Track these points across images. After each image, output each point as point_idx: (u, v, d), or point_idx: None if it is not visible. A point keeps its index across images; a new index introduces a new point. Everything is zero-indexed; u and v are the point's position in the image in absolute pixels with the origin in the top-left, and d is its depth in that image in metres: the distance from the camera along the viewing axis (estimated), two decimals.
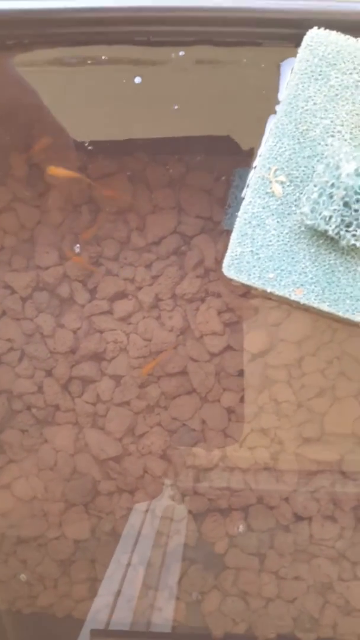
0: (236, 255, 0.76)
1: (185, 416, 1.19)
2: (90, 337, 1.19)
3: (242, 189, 0.89)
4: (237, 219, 0.76)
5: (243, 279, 0.76)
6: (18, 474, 1.20)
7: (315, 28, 0.78)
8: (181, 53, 0.81)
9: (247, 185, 0.78)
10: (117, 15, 0.75)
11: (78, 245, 1.15)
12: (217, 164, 1.14)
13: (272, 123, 0.76)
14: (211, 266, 1.17)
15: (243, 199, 0.82)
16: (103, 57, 0.81)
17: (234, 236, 0.78)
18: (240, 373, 1.18)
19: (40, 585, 1.21)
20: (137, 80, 0.86)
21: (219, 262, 1.17)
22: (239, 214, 0.77)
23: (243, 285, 0.79)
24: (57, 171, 1.03)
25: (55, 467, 1.20)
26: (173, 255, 1.19)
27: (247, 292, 1.19)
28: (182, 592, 1.20)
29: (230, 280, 0.79)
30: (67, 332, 1.19)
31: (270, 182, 0.75)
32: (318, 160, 0.76)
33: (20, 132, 1.13)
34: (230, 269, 0.77)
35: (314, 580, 1.18)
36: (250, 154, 0.93)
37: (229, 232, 0.99)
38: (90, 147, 1.13)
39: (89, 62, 0.83)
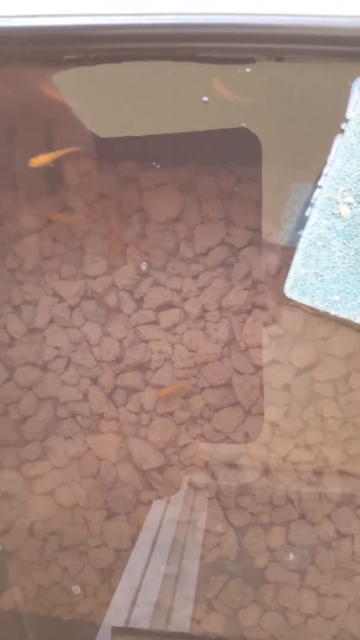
0: (300, 277, 0.75)
1: (228, 429, 1.18)
2: (135, 347, 1.19)
3: (301, 204, 0.88)
4: (302, 240, 0.76)
5: (306, 301, 0.76)
6: (61, 481, 1.21)
7: None
8: (248, 70, 0.81)
9: (312, 205, 0.78)
10: (181, 32, 0.74)
11: (145, 263, 1.15)
12: (269, 177, 1.13)
13: (339, 143, 0.75)
14: (259, 278, 1.16)
15: (304, 216, 0.81)
16: (168, 74, 0.80)
17: (297, 257, 0.77)
18: (286, 387, 1.17)
19: (81, 593, 1.21)
20: (205, 99, 0.86)
21: (268, 274, 1.16)
22: (304, 234, 0.76)
23: (304, 307, 0.78)
24: (39, 160, 1.02)
25: (98, 475, 1.20)
26: (220, 266, 1.18)
27: (294, 305, 1.18)
28: (221, 605, 1.19)
29: (290, 301, 0.79)
30: (113, 341, 1.19)
31: (337, 203, 0.74)
32: None
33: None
34: (293, 290, 0.76)
35: (354, 598, 1.16)
36: (309, 169, 0.92)
37: (283, 247, 0.99)
38: (144, 159, 1.13)
39: (153, 78, 0.82)
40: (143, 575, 1.21)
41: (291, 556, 1.12)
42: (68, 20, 0.78)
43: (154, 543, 1.20)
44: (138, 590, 1.21)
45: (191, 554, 1.19)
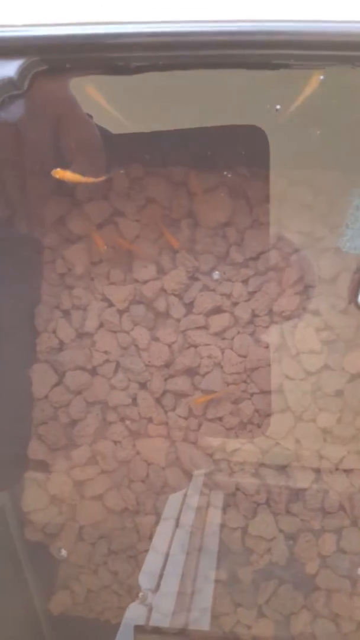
0: None
1: (278, 435, 1.17)
2: (185, 352, 1.18)
3: None
4: None
5: None
6: (110, 485, 1.21)
7: None
8: (321, 77, 0.79)
9: None
10: (255, 39, 0.73)
11: (217, 272, 1.15)
12: (322, 181, 1.12)
13: None
14: (311, 283, 1.15)
15: None
16: (241, 81, 0.80)
17: None
18: (338, 393, 1.16)
19: (129, 597, 1.21)
20: (278, 107, 0.85)
21: (320, 279, 1.15)
22: None
23: None
24: (64, 174, 1.01)
25: (147, 479, 1.20)
26: (271, 271, 1.17)
27: (346, 310, 1.17)
28: (271, 611, 1.18)
29: None
30: (162, 346, 1.19)
31: None
32: None
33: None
34: None
35: None
36: None
37: (344, 253, 0.97)
38: (191, 162, 1.13)
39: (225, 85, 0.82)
40: (194, 580, 1.21)
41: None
42: (135, 27, 0.77)
43: (203, 548, 1.20)
44: (185, 594, 1.21)
45: (241, 559, 1.19)
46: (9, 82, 0.79)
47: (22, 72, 0.79)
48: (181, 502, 1.19)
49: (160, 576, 1.20)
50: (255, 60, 0.75)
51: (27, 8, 0.77)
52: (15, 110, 0.82)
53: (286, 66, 0.75)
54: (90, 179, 1.04)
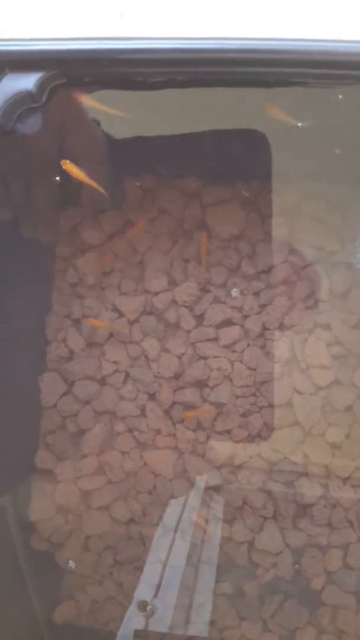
0: None
1: (287, 449, 1.17)
2: (194, 364, 1.18)
3: None
4: None
5: None
6: (117, 495, 1.20)
7: None
8: (340, 97, 0.79)
9: None
10: (273, 58, 0.73)
11: (236, 289, 1.15)
12: (336, 196, 1.12)
13: None
14: (322, 297, 1.15)
15: None
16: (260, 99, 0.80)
17: None
18: (348, 408, 1.15)
19: (134, 608, 1.21)
20: (299, 124, 0.85)
21: (331, 293, 1.14)
22: None
23: None
24: (70, 167, 1.01)
25: (154, 491, 1.20)
26: (283, 284, 1.17)
27: (357, 325, 1.17)
28: (276, 626, 1.18)
29: None
30: (172, 357, 1.19)
31: None
32: None
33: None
34: None
35: None
36: None
37: (354, 268, 0.97)
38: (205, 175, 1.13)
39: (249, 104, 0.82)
40: (197, 592, 1.20)
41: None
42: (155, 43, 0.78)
43: (209, 560, 1.19)
44: (191, 607, 1.21)
45: (247, 573, 1.18)
46: (28, 95, 0.79)
47: (41, 86, 0.79)
48: (188, 514, 1.19)
49: (164, 588, 1.20)
50: (273, 79, 0.75)
51: (47, 22, 0.77)
52: (33, 122, 0.82)
53: (304, 84, 0.75)
54: (94, 183, 1.04)
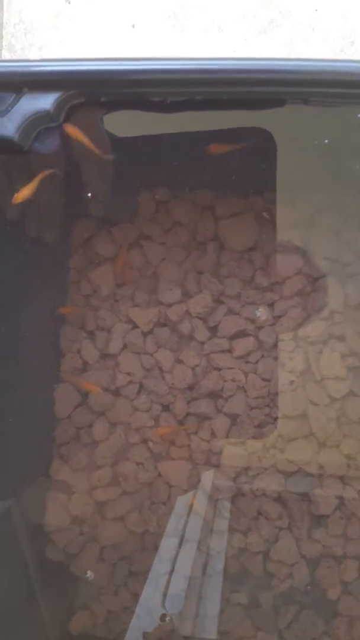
0: None
1: (302, 460, 1.17)
2: (208, 375, 1.18)
3: None
4: None
5: None
6: (131, 506, 1.21)
7: None
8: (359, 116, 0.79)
9: None
10: (292, 78, 0.73)
11: (260, 309, 1.15)
12: (351, 207, 1.11)
13: None
14: (337, 309, 1.15)
15: None
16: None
17: None
18: None
19: (149, 619, 1.21)
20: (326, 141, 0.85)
21: (346, 305, 1.14)
22: None
23: None
24: (74, 130, 1.00)
25: (169, 501, 1.20)
26: (297, 296, 1.17)
27: None
28: (292, 636, 1.18)
29: None
30: (186, 369, 1.19)
31: None
32: None
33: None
34: None
35: None
36: None
37: None
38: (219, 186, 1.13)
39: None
40: (211, 602, 1.21)
41: None
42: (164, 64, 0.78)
43: (224, 571, 1.20)
44: (206, 617, 1.21)
45: (262, 583, 1.18)
46: (46, 115, 0.79)
47: (58, 105, 0.80)
48: (202, 525, 1.19)
49: (179, 598, 1.20)
50: (291, 98, 0.75)
51: (68, 44, 0.77)
52: (50, 142, 0.83)
53: (322, 104, 0.75)
54: (92, 145, 1.02)
